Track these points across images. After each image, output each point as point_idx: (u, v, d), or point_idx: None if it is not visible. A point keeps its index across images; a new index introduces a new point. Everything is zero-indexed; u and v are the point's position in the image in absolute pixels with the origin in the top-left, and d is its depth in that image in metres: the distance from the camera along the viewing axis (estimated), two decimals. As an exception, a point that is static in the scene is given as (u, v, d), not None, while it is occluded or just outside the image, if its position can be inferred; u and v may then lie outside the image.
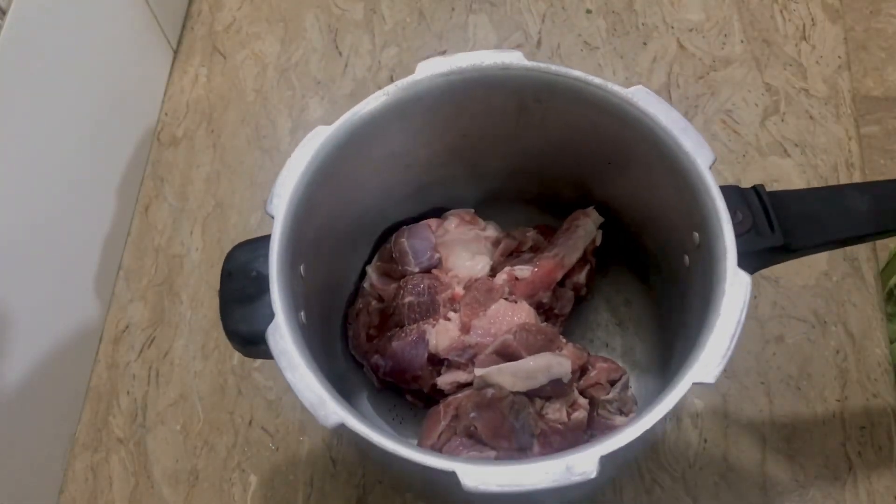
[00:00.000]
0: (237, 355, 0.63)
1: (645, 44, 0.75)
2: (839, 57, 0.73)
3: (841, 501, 0.55)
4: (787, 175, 0.67)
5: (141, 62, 0.74)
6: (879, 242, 0.56)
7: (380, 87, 0.49)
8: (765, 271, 0.63)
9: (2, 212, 0.54)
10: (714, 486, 0.56)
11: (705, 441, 0.58)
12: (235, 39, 0.79)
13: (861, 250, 0.63)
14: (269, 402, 0.61)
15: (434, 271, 0.56)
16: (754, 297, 0.62)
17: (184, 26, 0.80)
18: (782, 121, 0.70)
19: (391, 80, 0.74)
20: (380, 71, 0.76)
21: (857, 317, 0.61)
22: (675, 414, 0.59)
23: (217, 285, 0.47)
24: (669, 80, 0.73)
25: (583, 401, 0.51)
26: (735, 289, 0.41)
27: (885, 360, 0.60)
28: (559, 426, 0.49)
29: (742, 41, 0.74)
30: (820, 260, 0.63)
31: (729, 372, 0.60)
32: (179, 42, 0.79)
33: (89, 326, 0.65)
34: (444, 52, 0.76)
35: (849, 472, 0.56)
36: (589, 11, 0.77)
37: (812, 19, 0.75)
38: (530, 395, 0.50)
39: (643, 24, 0.76)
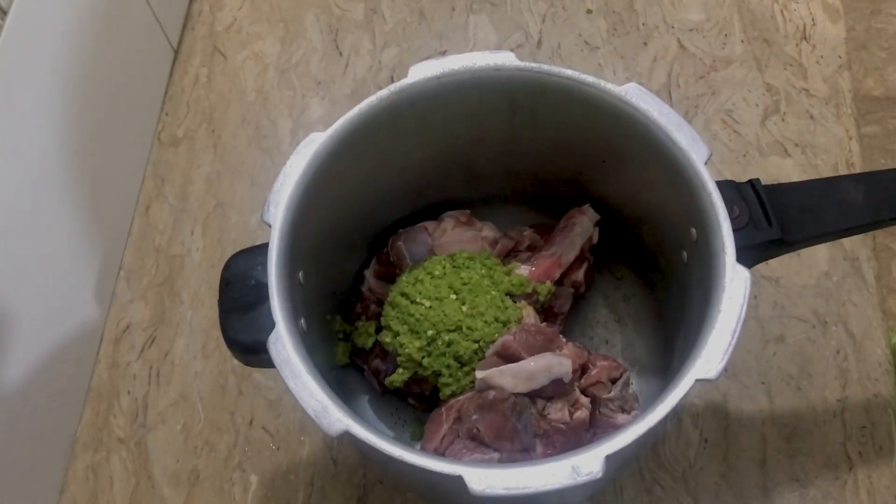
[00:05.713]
0: (238, 355, 0.63)
1: (645, 44, 0.75)
2: (840, 57, 0.73)
3: (841, 501, 0.55)
4: (788, 175, 0.67)
5: (141, 62, 0.74)
6: (880, 242, 0.56)
7: (381, 88, 0.49)
8: (765, 271, 0.63)
9: (2, 212, 0.54)
10: (714, 486, 0.56)
11: (705, 441, 0.58)
12: (236, 39, 0.79)
13: (861, 250, 0.63)
14: (270, 401, 0.61)
15: (432, 273, 0.56)
16: (754, 297, 0.62)
17: (184, 26, 0.80)
18: (783, 121, 0.70)
19: (392, 80, 0.74)
20: (380, 71, 0.76)
21: (858, 317, 0.61)
22: (677, 412, 0.59)
23: (218, 285, 0.47)
24: (670, 80, 0.73)
25: (584, 400, 0.51)
26: (734, 284, 0.41)
27: (886, 360, 0.60)
28: (561, 426, 0.49)
29: (742, 41, 0.74)
30: (820, 260, 0.63)
31: (729, 372, 0.60)
32: (180, 42, 0.79)
33: (90, 326, 0.65)
34: (444, 53, 0.76)
35: (849, 472, 0.56)
36: (589, 11, 0.77)
37: (812, 19, 0.75)
38: (532, 395, 0.50)
39: (644, 24, 0.76)
